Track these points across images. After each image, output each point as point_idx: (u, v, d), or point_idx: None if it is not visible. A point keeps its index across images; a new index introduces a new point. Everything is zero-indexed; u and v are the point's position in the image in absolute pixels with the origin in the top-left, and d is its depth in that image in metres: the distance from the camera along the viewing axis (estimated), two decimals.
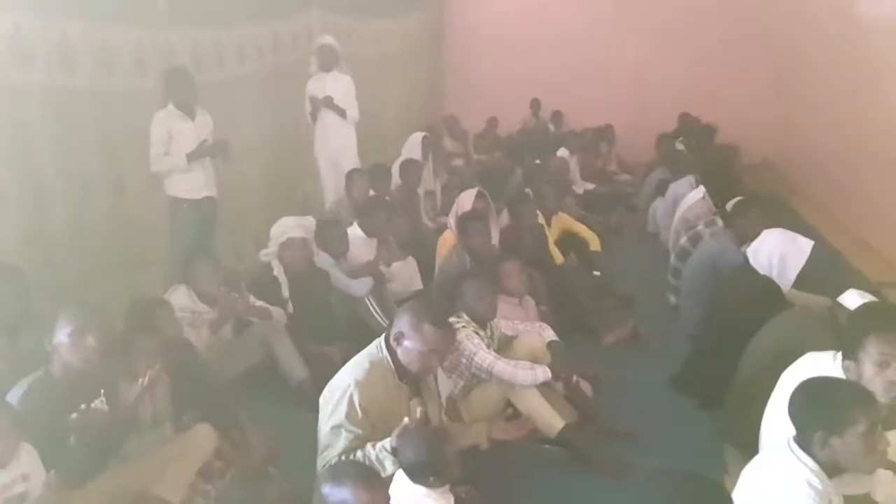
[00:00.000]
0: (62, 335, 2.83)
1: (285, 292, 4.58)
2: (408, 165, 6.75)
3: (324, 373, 3.60)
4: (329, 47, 6.44)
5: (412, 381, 2.97)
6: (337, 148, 6.53)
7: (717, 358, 3.71)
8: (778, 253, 3.97)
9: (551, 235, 5.94)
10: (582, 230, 6.34)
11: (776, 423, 2.64)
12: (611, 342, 4.86)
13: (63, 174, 4.39)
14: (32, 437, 2.60)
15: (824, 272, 4.15)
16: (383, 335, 2.97)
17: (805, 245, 3.99)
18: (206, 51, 5.80)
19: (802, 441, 2.25)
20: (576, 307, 5.07)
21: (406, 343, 2.83)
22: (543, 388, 3.61)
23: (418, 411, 2.87)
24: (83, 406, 2.85)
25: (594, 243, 6.23)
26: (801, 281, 3.96)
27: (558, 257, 5.81)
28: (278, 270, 4.59)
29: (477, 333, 3.68)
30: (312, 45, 6.60)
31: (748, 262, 4.08)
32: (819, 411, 2.26)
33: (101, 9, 4.67)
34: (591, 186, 9.03)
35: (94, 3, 4.61)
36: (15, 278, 3.28)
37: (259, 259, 4.76)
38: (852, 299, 3.22)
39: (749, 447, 2.79)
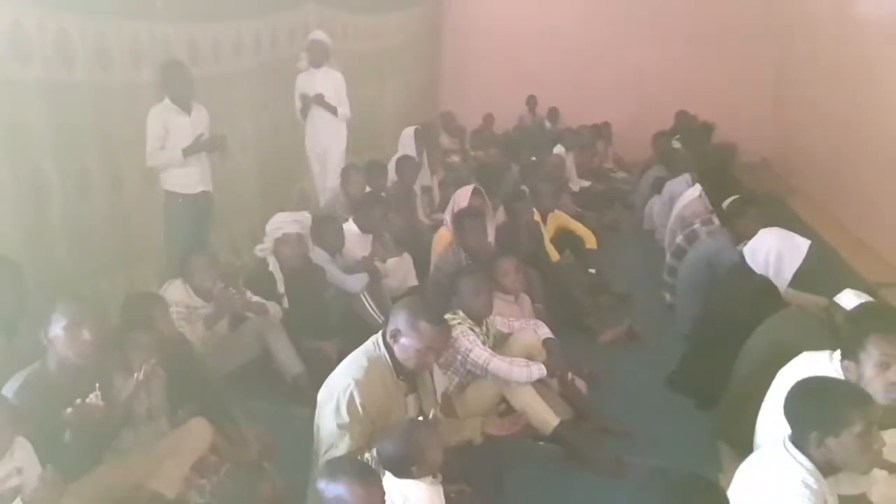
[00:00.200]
0: (57, 328, 2.83)
1: (281, 288, 4.57)
2: (404, 162, 6.74)
3: (319, 368, 3.62)
4: (320, 43, 6.40)
5: (409, 377, 2.97)
6: (326, 145, 6.51)
7: (712, 357, 3.72)
8: (775, 252, 3.96)
9: (547, 233, 5.94)
10: (578, 228, 6.34)
11: (772, 422, 2.64)
12: (606, 340, 4.87)
13: (60, 169, 4.39)
14: (28, 430, 2.59)
15: (821, 272, 4.15)
16: (380, 332, 2.97)
17: (802, 244, 3.99)
18: (203, 45, 5.79)
19: (798, 440, 2.25)
20: (572, 305, 5.08)
21: (402, 340, 2.83)
22: (538, 385, 3.62)
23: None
24: (78, 401, 2.85)
25: (590, 241, 6.23)
26: (798, 280, 3.96)
27: (554, 255, 5.81)
28: (274, 266, 4.59)
29: (472, 330, 3.67)
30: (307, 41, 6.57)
31: (744, 261, 4.08)
32: (815, 411, 2.26)
33: (99, 3, 4.66)
34: (587, 184, 9.03)
35: None
36: (12, 273, 3.27)
37: (255, 254, 4.75)
38: (849, 299, 3.23)
39: (744, 446, 2.80)
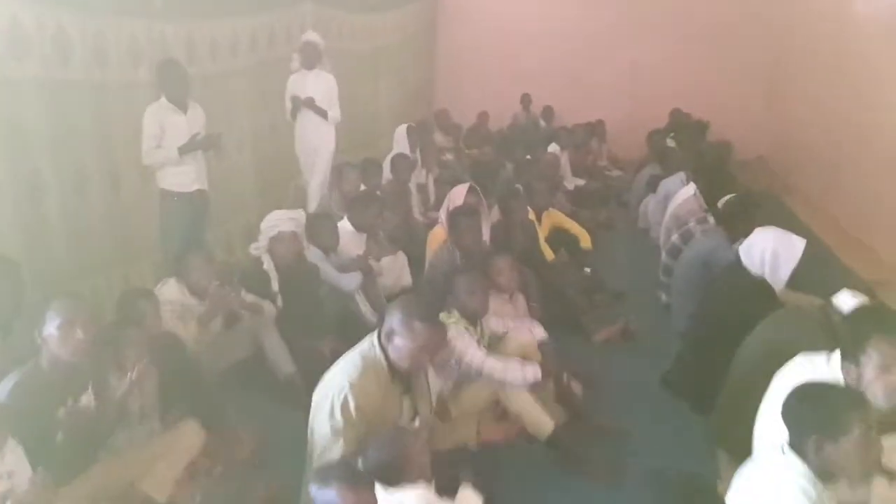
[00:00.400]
0: (51, 327, 2.83)
1: (275, 286, 4.55)
2: (399, 160, 6.73)
3: (313, 367, 3.60)
4: (313, 44, 6.33)
5: (404, 378, 2.95)
6: (315, 146, 6.44)
7: (707, 358, 3.70)
8: (770, 251, 3.93)
9: (542, 231, 5.93)
10: (573, 226, 6.33)
11: (769, 427, 2.61)
12: (602, 339, 4.86)
13: (57, 167, 4.38)
14: (20, 431, 2.58)
15: (817, 271, 4.13)
16: (376, 331, 2.95)
17: (798, 243, 3.95)
18: (200, 43, 5.76)
19: (796, 446, 2.22)
20: (566, 304, 5.06)
21: (396, 340, 2.81)
22: (533, 386, 3.59)
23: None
24: (70, 402, 2.84)
25: (585, 240, 6.22)
26: (794, 280, 3.94)
27: (549, 253, 5.79)
28: (268, 264, 4.57)
29: (467, 330, 3.65)
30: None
31: (740, 260, 4.05)
32: (812, 416, 2.23)
33: (98, 1, 4.64)
34: (581, 182, 9.03)
35: None
36: (9, 271, 3.25)
37: (250, 252, 4.73)
38: (846, 300, 3.21)
39: (742, 451, 2.77)
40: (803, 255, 3.87)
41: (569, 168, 9.06)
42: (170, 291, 4.04)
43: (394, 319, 2.83)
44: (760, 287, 3.84)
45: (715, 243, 4.68)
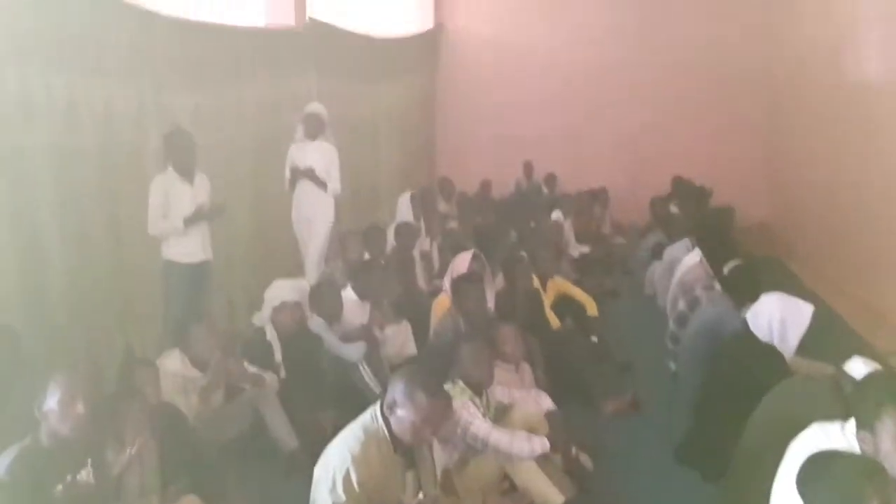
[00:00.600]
0: (52, 401, 2.81)
1: (278, 357, 4.50)
2: (402, 228, 6.75)
3: (315, 440, 3.54)
4: (316, 116, 6.33)
5: (407, 452, 2.88)
6: (310, 217, 6.36)
7: (719, 429, 3.62)
8: (778, 317, 3.90)
9: (547, 299, 5.88)
10: (578, 294, 6.28)
11: (785, 498, 2.53)
12: (610, 411, 4.77)
13: (62, 234, 4.40)
14: None
15: (827, 338, 4.08)
16: (378, 403, 2.90)
17: (806, 309, 3.92)
18: (207, 113, 5.86)
19: None
20: (573, 374, 4.98)
21: (399, 412, 2.77)
22: (541, 459, 3.52)
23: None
24: (69, 478, 2.79)
25: (591, 307, 6.16)
26: (803, 347, 3.89)
27: (555, 322, 5.74)
28: (271, 334, 4.54)
29: (472, 402, 3.59)
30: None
31: (748, 327, 4.01)
32: (828, 488, 2.18)
33: (107, 70, 4.75)
34: (586, 250, 9.02)
35: (99, 64, 4.69)
36: (8, 339, 3.23)
37: (253, 322, 4.71)
38: (858, 367, 3.15)
39: None
40: (811, 321, 3.84)
41: (572, 235, 9.08)
42: (172, 363, 4.00)
43: (396, 391, 2.79)
44: (770, 354, 3.79)
45: (722, 311, 4.64)
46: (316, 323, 4.76)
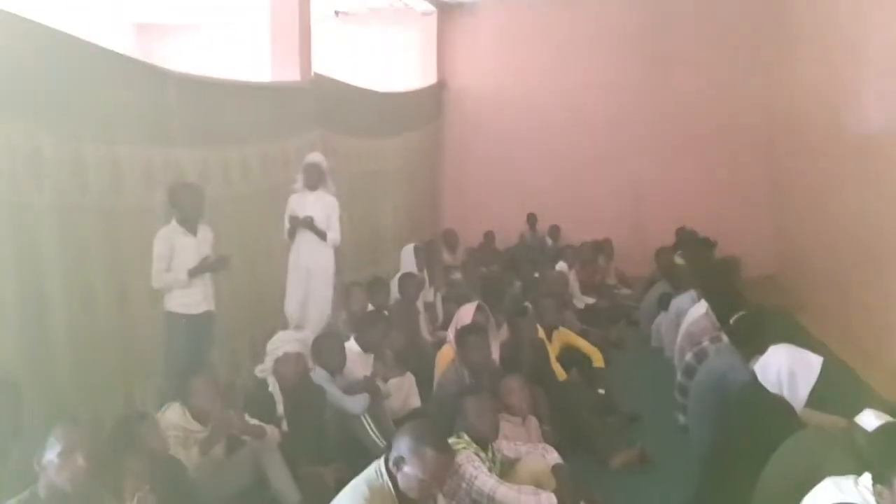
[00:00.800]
0: (51, 454, 2.79)
1: (280, 409, 4.46)
2: (406, 279, 6.75)
3: (317, 494, 3.47)
4: (315, 166, 6.26)
5: None
6: (310, 268, 6.24)
7: (730, 483, 3.54)
8: (787, 369, 3.85)
9: (553, 350, 5.84)
10: (584, 345, 6.24)
11: None
12: (618, 464, 4.67)
13: (66, 289, 4.39)
14: None
15: (837, 389, 4.03)
16: (383, 458, 2.85)
17: (815, 361, 3.87)
18: (214, 168, 5.92)
19: None
20: (580, 427, 4.91)
21: (406, 469, 2.72)
22: None
23: None
24: None
25: (597, 359, 6.10)
26: (813, 399, 3.83)
27: (561, 373, 5.68)
28: (274, 387, 4.50)
29: (478, 455, 3.53)
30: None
31: (756, 379, 3.96)
32: None
33: (114, 125, 4.81)
34: (591, 300, 9.00)
35: (109, 124, 4.75)
36: (9, 393, 3.20)
37: (255, 374, 4.67)
38: (869, 420, 3.10)
39: None
40: (821, 373, 3.79)
41: (577, 286, 9.07)
42: (173, 416, 3.96)
43: (403, 446, 2.75)
44: (780, 406, 3.73)
45: (729, 363, 4.59)
46: (319, 375, 4.72)
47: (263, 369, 4.57)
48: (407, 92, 10.75)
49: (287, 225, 6.25)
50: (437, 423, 3.95)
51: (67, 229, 4.39)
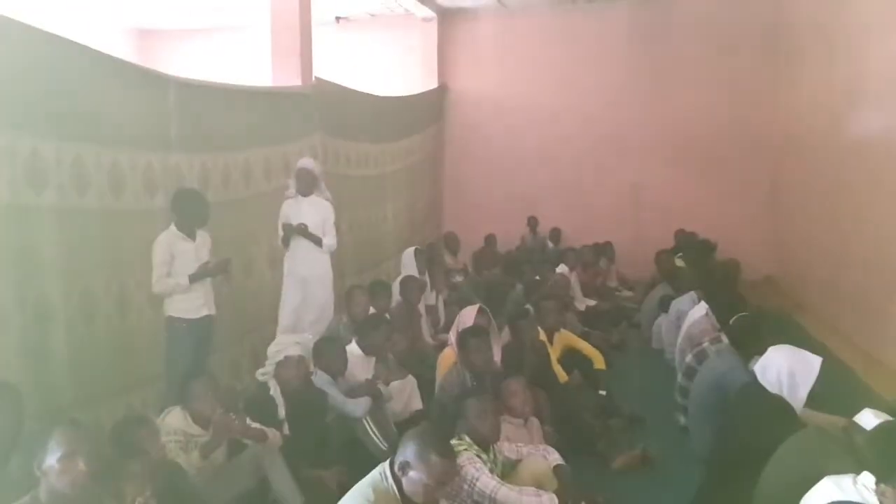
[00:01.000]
0: (52, 459, 2.78)
1: (282, 413, 4.46)
2: (408, 282, 6.75)
3: (319, 497, 3.47)
4: (307, 171, 6.13)
5: None
6: (306, 275, 6.12)
7: (731, 483, 3.55)
8: (786, 370, 3.87)
9: (554, 353, 5.84)
10: (585, 347, 6.24)
11: None
12: (620, 466, 4.67)
13: (66, 293, 4.40)
14: None
15: (836, 389, 4.03)
16: (387, 462, 2.88)
17: (814, 361, 3.89)
18: (214, 173, 5.93)
19: None
20: (582, 428, 4.93)
21: (412, 474, 2.75)
22: None
23: None
24: None
25: (598, 361, 6.11)
26: (812, 399, 3.84)
27: (562, 375, 5.69)
28: (275, 390, 4.50)
29: (479, 457, 3.54)
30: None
31: (756, 380, 3.97)
32: None
33: (115, 131, 4.82)
34: (592, 303, 9.01)
35: (109, 129, 4.76)
36: (10, 398, 3.21)
37: (256, 378, 4.68)
38: (868, 419, 3.11)
39: None
40: (820, 373, 3.80)
41: (579, 288, 9.08)
42: (174, 420, 3.95)
43: (408, 451, 2.78)
44: (780, 407, 3.74)
45: (729, 364, 4.60)
46: (320, 378, 4.72)
47: (265, 373, 4.57)
48: (408, 96, 10.76)
49: (281, 232, 6.14)
50: (439, 425, 3.97)
51: (67, 233, 4.39)
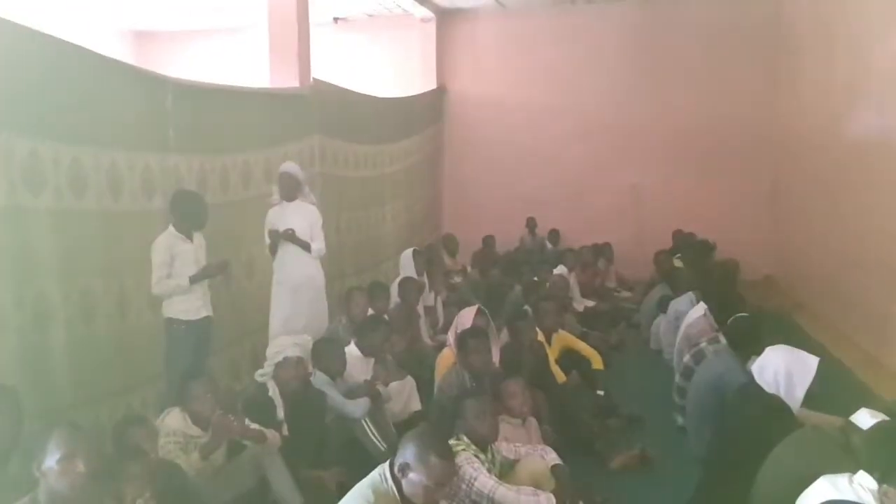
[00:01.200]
0: (51, 461, 2.78)
1: (281, 414, 4.46)
2: (406, 283, 6.76)
3: (319, 498, 3.48)
4: (289, 175, 5.90)
5: None
6: (297, 283, 5.89)
7: (729, 483, 3.55)
8: (784, 369, 3.88)
9: (552, 353, 5.85)
10: (583, 348, 6.25)
11: None
12: (618, 466, 4.69)
13: (65, 295, 4.40)
14: None
15: (833, 389, 4.05)
16: (387, 463, 2.89)
17: (811, 361, 3.90)
18: (212, 175, 5.94)
19: None
20: (580, 428, 4.94)
21: (412, 475, 2.77)
22: None
23: None
24: None
25: (597, 361, 6.12)
26: (809, 399, 3.85)
27: (560, 376, 5.70)
28: (274, 391, 4.51)
29: (477, 457, 3.55)
30: (312, 169, 6.67)
31: (754, 380, 3.98)
32: None
33: (114, 135, 4.82)
34: (591, 303, 9.01)
35: (107, 130, 4.76)
36: (8, 399, 3.21)
37: (255, 379, 4.68)
38: (865, 419, 3.12)
39: None
40: (818, 372, 3.81)
41: (577, 289, 9.09)
42: (173, 421, 3.96)
43: (408, 453, 2.80)
44: (777, 406, 3.75)
45: (726, 364, 4.61)
46: (319, 379, 4.73)
47: (264, 374, 4.58)
48: (406, 97, 10.77)
49: (267, 240, 5.93)
50: (437, 426, 3.98)
51: (66, 235, 4.40)
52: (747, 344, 4.62)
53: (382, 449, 4.55)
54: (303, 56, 7.58)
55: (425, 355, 6.14)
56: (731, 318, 5.15)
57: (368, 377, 4.98)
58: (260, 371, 4.64)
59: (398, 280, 6.93)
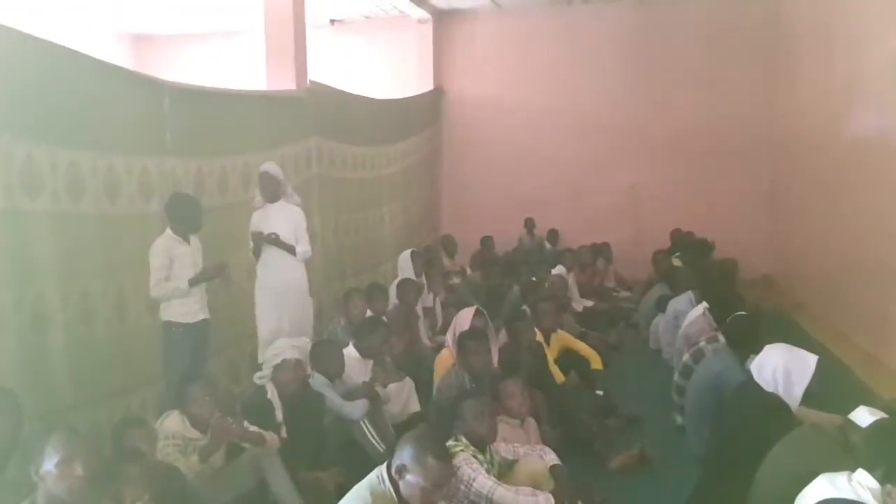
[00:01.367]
0: (50, 464, 2.78)
1: (279, 416, 4.46)
2: (405, 284, 6.76)
3: (318, 499, 3.47)
4: (269, 176, 5.70)
5: None
6: (277, 290, 5.72)
7: (728, 482, 3.55)
8: (782, 368, 3.87)
9: (551, 353, 5.85)
10: (582, 348, 6.25)
11: None
12: (617, 465, 4.68)
13: (63, 297, 4.40)
14: None
15: (832, 388, 4.04)
16: (385, 465, 2.89)
17: (810, 359, 3.89)
18: (210, 178, 5.94)
19: None
20: (579, 428, 4.93)
21: (409, 477, 2.77)
22: None
23: None
24: None
25: (595, 361, 6.12)
26: (808, 397, 3.85)
27: (559, 376, 5.70)
28: (272, 394, 4.50)
29: (475, 457, 3.54)
30: (310, 171, 6.65)
31: (752, 378, 3.98)
32: None
33: (111, 139, 4.82)
34: (590, 304, 9.01)
35: (104, 134, 4.76)
36: (7, 401, 3.21)
37: (254, 381, 4.68)
38: (863, 416, 3.12)
39: None
40: (816, 371, 3.80)
41: (576, 289, 9.09)
42: (172, 424, 3.96)
43: (405, 455, 2.80)
44: (776, 405, 3.75)
45: (725, 363, 4.61)
46: (318, 381, 4.73)
47: (262, 376, 4.58)
48: (403, 98, 10.77)
49: (251, 244, 5.78)
50: (436, 427, 3.98)
51: (63, 238, 4.40)
52: (746, 343, 4.62)
53: (381, 450, 4.54)
54: (299, 58, 7.58)
55: (424, 356, 6.14)
56: (729, 318, 5.15)
57: (367, 379, 4.98)
58: (258, 373, 4.64)
59: (397, 281, 6.93)
